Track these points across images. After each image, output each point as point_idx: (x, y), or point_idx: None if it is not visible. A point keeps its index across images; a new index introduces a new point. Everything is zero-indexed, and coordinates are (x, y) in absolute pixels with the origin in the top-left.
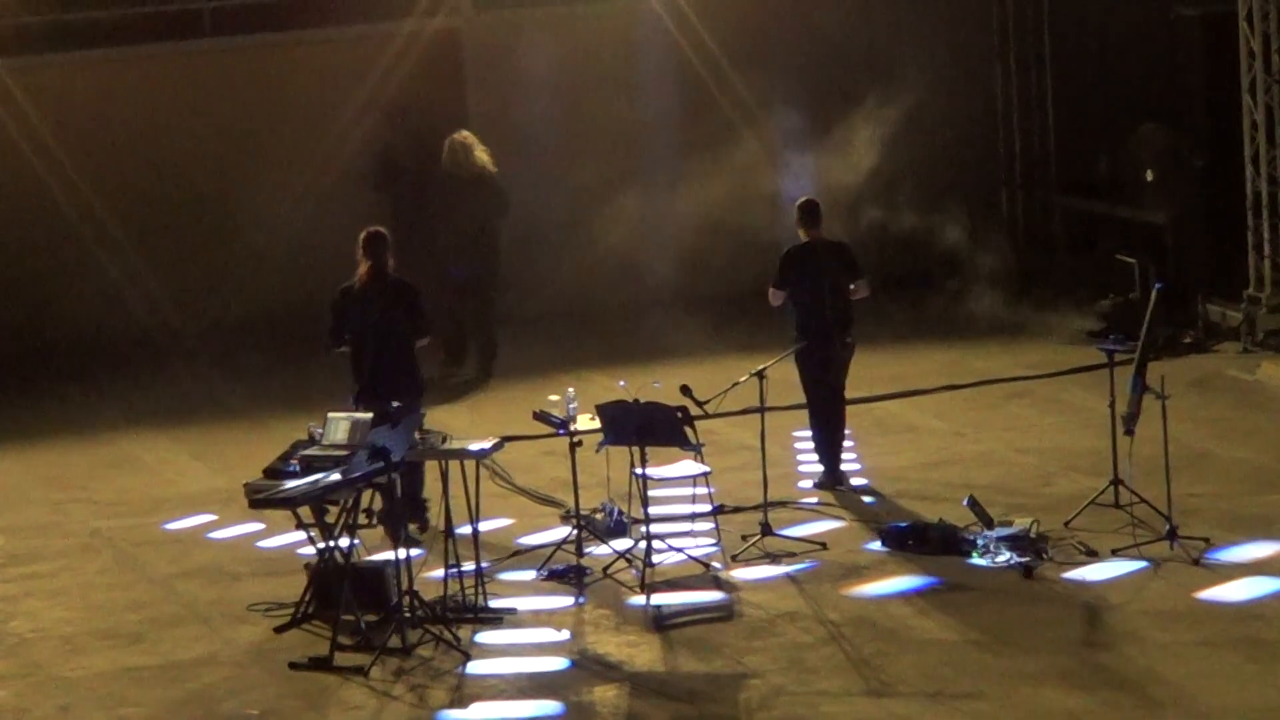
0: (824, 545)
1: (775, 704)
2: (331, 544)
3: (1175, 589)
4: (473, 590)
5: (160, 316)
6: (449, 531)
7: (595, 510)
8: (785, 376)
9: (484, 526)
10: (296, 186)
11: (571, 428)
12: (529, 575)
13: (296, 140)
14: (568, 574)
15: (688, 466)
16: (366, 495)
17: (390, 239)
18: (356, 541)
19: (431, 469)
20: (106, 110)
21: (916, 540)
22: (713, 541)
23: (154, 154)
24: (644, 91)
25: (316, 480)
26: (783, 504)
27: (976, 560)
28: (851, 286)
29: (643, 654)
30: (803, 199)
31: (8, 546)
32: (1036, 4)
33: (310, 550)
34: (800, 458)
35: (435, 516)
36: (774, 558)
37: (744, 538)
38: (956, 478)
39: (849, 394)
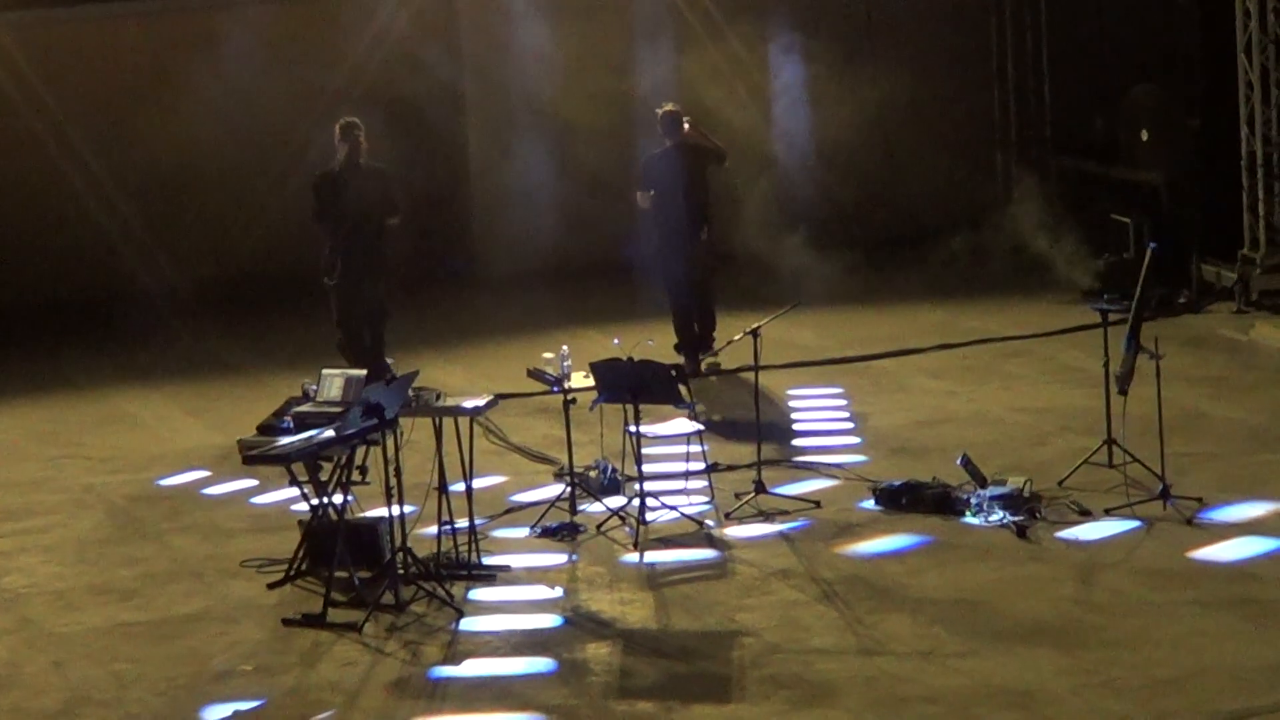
0: (818, 503)
1: (768, 662)
2: (325, 500)
3: (1168, 548)
4: (466, 547)
5: (157, 273)
6: (443, 489)
7: (589, 468)
8: (780, 335)
9: (477, 484)
10: (294, 143)
11: (565, 385)
12: (522, 532)
13: (293, 97)
14: (561, 531)
15: (681, 424)
16: (360, 452)
17: (363, 127)
18: (350, 498)
19: (425, 426)
20: (104, 66)
21: (910, 499)
22: (706, 499)
23: (151, 110)
24: (640, 52)
25: (310, 437)
26: (776, 462)
27: (970, 519)
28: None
29: (636, 611)
30: (664, 108)
31: (1, 502)
32: None
33: (304, 506)
34: (795, 416)
35: (430, 474)
36: (767, 516)
37: (737, 495)
38: (950, 436)
39: (840, 356)
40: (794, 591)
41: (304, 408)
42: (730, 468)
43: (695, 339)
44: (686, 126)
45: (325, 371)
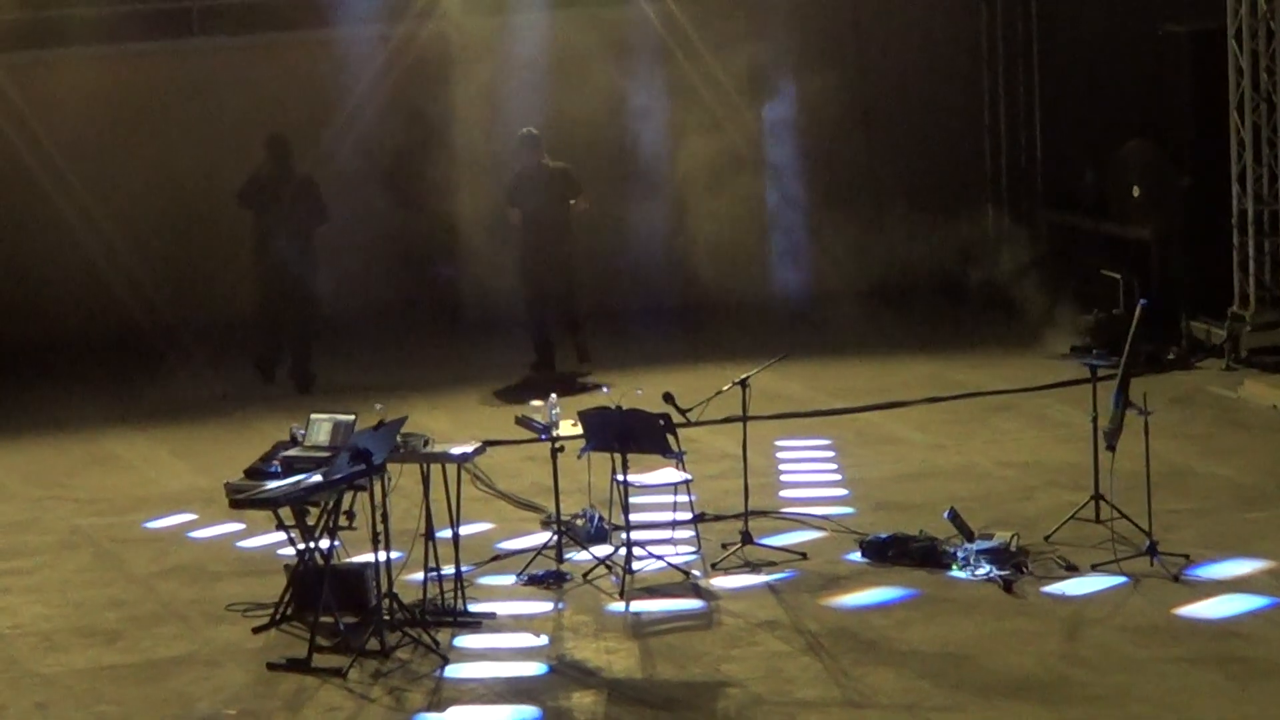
0: (804, 555)
1: (753, 713)
2: (311, 545)
3: (1154, 605)
4: (452, 594)
5: (148, 314)
6: (429, 535)
7: (576, 516)
8: (768, 386)
9: (464, 530)
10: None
11: (553, 433)
12: (509, 580)
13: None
14: (547, 579)
15: (669, 474)
16: (347, 497)
17: (291, 142)
18: (337, 543)
19: (413, 472)
20: (98, 107)
21: (897, 552)
22: (693, 549)
23: (145, 151)
24: (631, 95)
25: (298, 481)
26: (764, 513)
27: (956, 573)
28: (572, 202)
29: (621, 660)
30: (527, 130)
31: None
32: (1025, 19)
33: (290, 551)
34: (782, 467)
35: (417, 520)
36: (754, 567)
37: (724, 546)
38: (937, 490)
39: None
40: (779, 643)
41: (292, 452)
42: (717, 518)
43: (553, 351)
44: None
45: (313, 416)
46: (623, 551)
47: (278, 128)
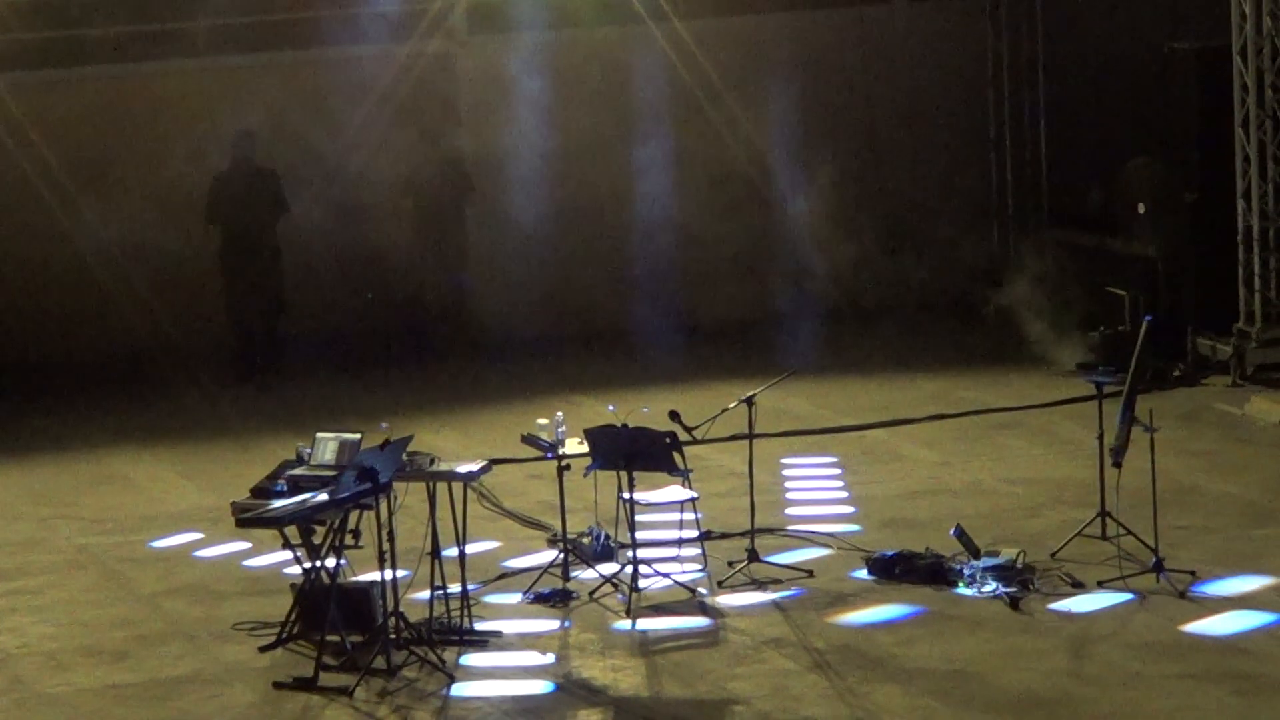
0: (811, 573)
1: None
2: (317, 564)
3: (1161, 622)
4: (458, 612)
5: (154, 333)
6: (435, 553)
7: (582, 534)
8: (775, 404)
9: (470, 549)
10: (293, 206)
11: (560, 451)
12: (515, 598)
13: (296, 159)
14: (554, 597)
15: (675, 492)
16: (353, 516)
17: (255, 137)
18: (343, 562)
19: (419, 490)
20: (105, 126)
21: (903, 569)
22: (699, 567)
23: (151, 170)
24: (637, 117)
25: (304, 500)
26: (770, 531)
27: (963, 590)
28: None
29: (627, 679)
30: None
31: None
32: (1030, 37)
33: (296, 570)
34: (789, 485)
35: (423, 539)
36: (760, 584)
37: (730, 564)
38: (944, 507)
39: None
40: (786, 660)
41: (298, 471)
42: (723, 536)
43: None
44: None
45: (319, 435)
46: (629, 569)
47: (282, 145)
